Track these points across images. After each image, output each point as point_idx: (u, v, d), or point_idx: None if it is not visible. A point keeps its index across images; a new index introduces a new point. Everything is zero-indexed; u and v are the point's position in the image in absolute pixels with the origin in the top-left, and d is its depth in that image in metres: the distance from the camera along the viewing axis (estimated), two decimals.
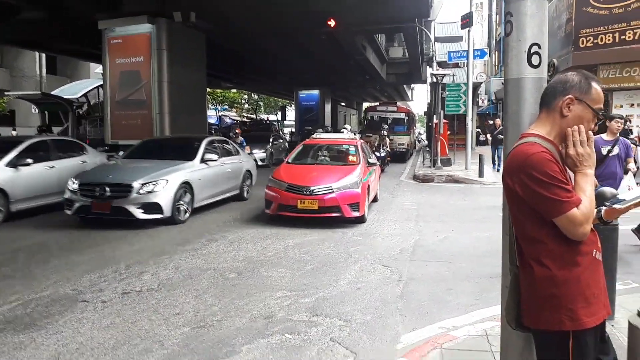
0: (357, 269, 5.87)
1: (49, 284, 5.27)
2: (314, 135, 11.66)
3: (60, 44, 22.17)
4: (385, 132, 18.75)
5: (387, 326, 4.19)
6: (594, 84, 1.85)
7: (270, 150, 20.31)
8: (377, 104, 30.06)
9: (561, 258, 1.77)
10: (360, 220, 8.52)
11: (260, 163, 17.86)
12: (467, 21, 16.72)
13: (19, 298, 4.84)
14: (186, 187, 8.73)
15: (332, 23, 16.45)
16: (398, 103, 31.39)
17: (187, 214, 8.75)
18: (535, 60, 2.05)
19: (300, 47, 23.46)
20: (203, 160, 9.51)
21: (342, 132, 13.01)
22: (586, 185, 1.79)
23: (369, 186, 9.12)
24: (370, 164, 9.85)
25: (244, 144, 16.19)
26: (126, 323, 4.23)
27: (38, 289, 5.09)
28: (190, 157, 9.43)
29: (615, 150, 6.01)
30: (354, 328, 4.13)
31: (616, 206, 1.89)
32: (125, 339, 3.90)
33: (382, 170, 16.01)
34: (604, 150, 5.98)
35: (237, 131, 16.34)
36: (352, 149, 10.12)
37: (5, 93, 26.78)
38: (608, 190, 3.32)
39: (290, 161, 9.96)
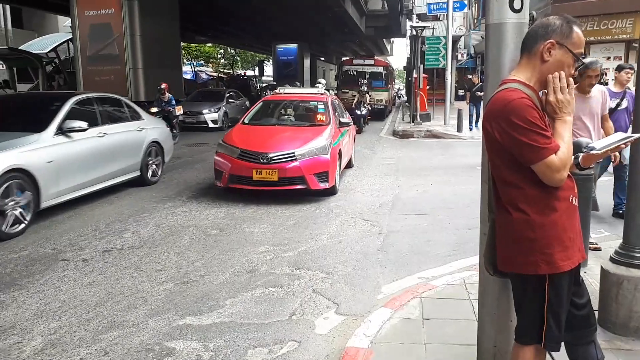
0: (338, 223, 5.93)
1: (27, 243, 5.21)
2: (276, 91, 9.92)
3: None
4: (365, 88, 17.72)
5: (368, 277, 4.28)
6: (575, 28, 1.83)
7: (224, 109, 17.33)
8: (353, 57, 27.23)
9: (538, 203, 1.80)
10: (331, 192, 7.28)
11: (211, 125, 16.48)
12: None
13: None
14: (19, 177, 5.51)
15: None
16: (376, 56, 29.32)
17: (21, 225, 5.51)
18: (517, 4, 2.01)
19: None
20: (62, 131, 6.26)
21: (317, 87, 11.68)
22: (564, 132, 1.80)
23: (340, 151, 7.80)
24: (342, 124, 8.44)
25: (173, 102, 13.45)
26: (108, 281, 4.23)
27: (17, 249, 5.03)
28: (40, 126, 6.17)
29: (624, 104, 5.60)
30: (336, 280, 4.21)
31: (593, 152, 1.91)
32: (108, 296, 3.91)
33: (360, 131, 15.44)
34: (613, 104, 5.47)
35: (162, 86, 13.27)
36: (320, 106, 8.75)
37: None
38: (584, 140, 3.36)
39: (246, 121, 8.35)
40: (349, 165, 9.44)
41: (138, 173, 7.83)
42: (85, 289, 4.05)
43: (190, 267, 4.54)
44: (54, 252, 4.96)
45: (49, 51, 24.94)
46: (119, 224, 5.89)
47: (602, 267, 2.99)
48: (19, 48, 24.20)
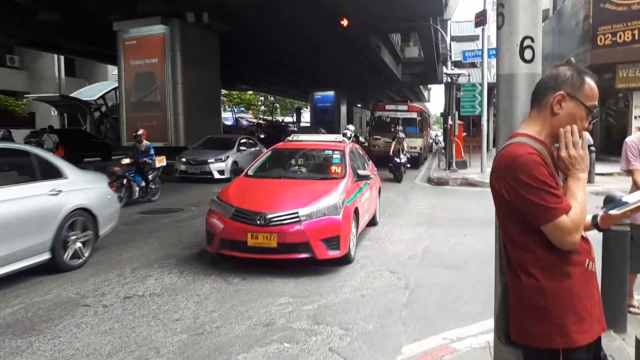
0: (363, 275, 5.73)
1: (52, 287, 5.25)
2: (288, 138, 8.46)
3: (77, 45, 22.56)
4: (402, 135, 16.60)
5: (389, 336, 4.05)
6: (588, 79, 1.70)
7: (233, 158, 15.25)
8: (385, 103, 26.75)
9: (550, 268, 1.63)
10: (344, 261, 5.99)
11: (217, 176, 14.54)
12: (481, 19, 16.41)
13: (22, 301, 4.83)
14: None
15: (344, 22, 16.32)
16: (410, 102, 28.99)
17: None
18: (528, 54, 1.91)
19: (314, 47, 23.44)
20: None
21: (345, 133, 10.93)
22: (578, 190, 1.65)
23: (357, 209, 6.53)
24: (361, 177, 7.14)
25: (152, 152, 11.20)
26: (125, 329, 4.17)
27: (42, 292, 5.07)
28: None
29: None
30: (355, 337, 4.01)
31: (612, 212, 1.73)
32: (122, 346, 3.84)
33: (399, 180, 15.14)
34: None
35: (139, 132, 11.24)
36: (336, 156, 7.49)
37: (25, 95, 27.26)
38: (618, 194, 3.14)
39: (250, 173, 7.23)
40: (372, 222, 8.28)
41: (47, 256, 5.53)
42: (101, 337, 4.00)
43: (207, 317, 4.43)
44: (76, 297, 4.97)
45: (98, 98, 26.31)
46: (143, 270, 5.89)
47: (636, 338, 2.70)
48: (70, 95, 25.64)
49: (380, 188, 9.21)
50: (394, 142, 16.40)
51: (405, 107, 22.97)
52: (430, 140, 33.05)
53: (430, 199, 12.12)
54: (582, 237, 1.67)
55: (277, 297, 4.94)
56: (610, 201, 2.31)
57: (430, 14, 19.03)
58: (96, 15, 17.26)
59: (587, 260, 1.68)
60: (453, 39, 28.86)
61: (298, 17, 17.38)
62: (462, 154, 19.20)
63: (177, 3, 16.50)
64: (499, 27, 1.91)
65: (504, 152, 1.69)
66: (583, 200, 1.63)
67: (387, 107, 23.38)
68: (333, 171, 7.23)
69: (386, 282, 5.49)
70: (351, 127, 14.37)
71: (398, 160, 15.46)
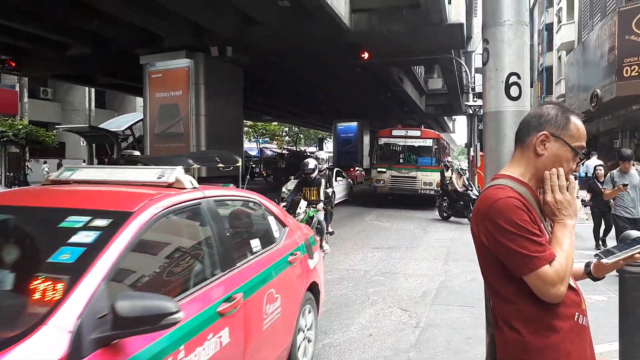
0: (373, 312, 5.55)
1: None
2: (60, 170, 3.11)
3: (106, 78, 23.30)
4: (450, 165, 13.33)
5: None
6: (573, 118, 1.58)
7: None
8: (392, 128, 19.48)
9: (535, 321, 1.49)
10: None
11: None
12: None
13: None
14: None
15: (365, 55, 16.41)
16: (424, 127, 20.97)
17: None
18: (514, 91, 1.80)
19: (337, 78, 23.64)
20: None
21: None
22: (564, 238, 1.51)
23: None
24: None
25: None
26: None
27: None
28: None
29: None
30: None
31: (604, 261, 1.59)
32: None
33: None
34: None
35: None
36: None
37: (56, 126, 28.15)
38: (634, 233, 2.95)
39: None
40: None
41: None
42: None
43: None
44: None
45: (125, 129, 26.94)
46: None
47: None
48: (98, 126, 26.36)
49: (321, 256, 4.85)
50: (453, 176, 13.63)
51: (417, 133, 18.02)
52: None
53: (450, 232, 11.85)
54: (572, 288, 1.53)
55: None
56: (626, 240, 2.15)
57: (452, 47, 19.01)
58: (125, 50, 17.80)
59: (577, 314, 1.53)
60: (477, 70, 28.78)
61: (319, 50, 17.59)
62: (484, 186, 18.85)
63: (202, 38, 16.90)
64: (484, 64, 1.83)
65: (484, 196, 1.57)
66: (569, 249, 1.49)
67: (395, 132, 18.26)
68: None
69: (396, 321, 5.29)
70: (321, 154, 10.74)
71: (472, 194, 12.55)
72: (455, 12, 15.75)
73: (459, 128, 72.66)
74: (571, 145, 1.56)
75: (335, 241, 9.90)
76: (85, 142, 28.14)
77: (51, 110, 30.76)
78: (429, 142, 17.55)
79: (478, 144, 18.12)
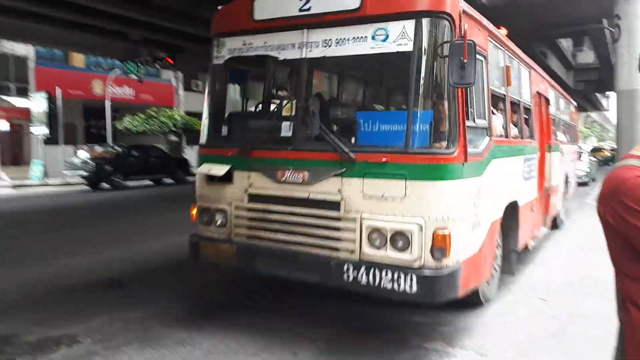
0: (509, 300, 5.41)
1: None
2: None
3: None
4: None
5: None
6: None
7: None
8: None
9: None
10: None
11: None
12: None
13: None
14: None
15: (503, 31, 15.49)
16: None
17: None
18: None
19: None
20: None
21: None
22: None
23: None
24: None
25: None
26: None
27: None
28: None
29: None
30: None
31: None
32: None
33: None
34: None
35: None
36: None
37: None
38: None
39: None
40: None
41: None
42: None
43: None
44: None
45: None
46: None
47: None
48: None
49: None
50: None
51: None
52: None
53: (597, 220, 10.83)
54: None
55: (413, 315, 4.91)
56: None
57: (602, 16, 17.04)
58: None
59: None
60: None
61: None
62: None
63: None
64: (615, 41, 1.75)
65: (611, 176, 1.55)
66: None
67: None
68: None
69: (533, 310, 5.10)
70: None
71: None
72: None
73: (614, 105, 65.18)
74: None
75: None
76: None
77: (201, 101, 33.96)
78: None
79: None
